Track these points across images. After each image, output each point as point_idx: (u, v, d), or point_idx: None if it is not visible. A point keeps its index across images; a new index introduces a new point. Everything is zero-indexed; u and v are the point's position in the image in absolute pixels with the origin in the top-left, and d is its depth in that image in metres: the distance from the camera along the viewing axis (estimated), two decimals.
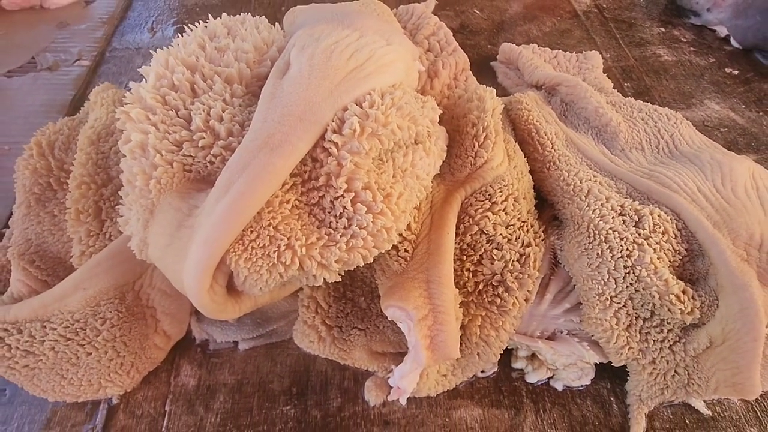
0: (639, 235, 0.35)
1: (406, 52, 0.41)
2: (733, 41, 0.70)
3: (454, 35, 0.60)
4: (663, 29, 0.73)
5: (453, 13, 0.74)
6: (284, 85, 0.31)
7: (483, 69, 0.64)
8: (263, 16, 0.42)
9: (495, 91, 0.42)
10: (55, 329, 0.32)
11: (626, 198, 0.39)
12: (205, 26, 0.38)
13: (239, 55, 0.35)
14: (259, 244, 0.27)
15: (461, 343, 0.34)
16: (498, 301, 0.34)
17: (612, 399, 0.37)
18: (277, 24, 0.44)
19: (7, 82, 0.58)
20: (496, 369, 0.38)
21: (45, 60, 0.60)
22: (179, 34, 0.36)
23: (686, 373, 0.34)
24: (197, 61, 0.33)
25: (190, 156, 0.29)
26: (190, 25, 0.36)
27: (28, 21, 0.66)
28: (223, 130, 0.30)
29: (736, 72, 0.65)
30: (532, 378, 0.38)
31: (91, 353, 0.33)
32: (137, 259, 0.31)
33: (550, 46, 0.66)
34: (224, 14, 0.40)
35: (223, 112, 0.31)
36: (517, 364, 0.38)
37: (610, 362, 0.36)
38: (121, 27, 0.68)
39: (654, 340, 0.34)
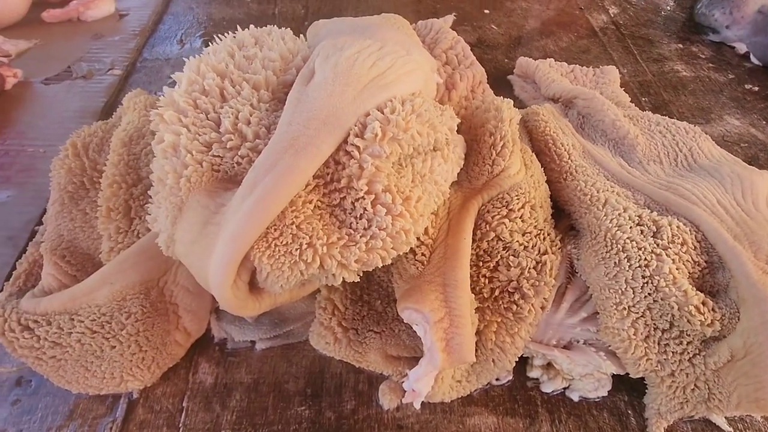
0: (657, 245, 0.35)
1: (425, 63, 0.42)
2: (752, 58, 0.69)
3: (471, 50, 0.61)
4: (681, 45, 0.73)
5: (470, 28, 0.76)
6: (309, 91, 0.32)
7: (500, 82, 0.65)
8: (288, 29, 0.44)
9: (512, 102, 0.43)
10: (83, 322, 0.33)
11: (644, 209, 0.39)
12: (234, 36, 0.39)
13: (266, 63, 0.36)
14: (282, 242, 0.28)
15: (476, 349, 0.34)
16: (514, 307, 0.35)
17: (629, 412, 0.36)
18: (301, 36, 0.46)
19: (44, 89, 0.61)
20: (511, 377, 0.38)
21: (80, 69, 0.63)
22: (207, 45, 0.38)
23: (707, 387, 0.34)
24: (226, 68, 0.35)
25: (219, 156, 0.30)
26: (218, 35, 0.38)
27: (66, 33, 0.70)
28: (250, 133, 0.31)
29: (756, 88, 0.65)
30: (548, 387, 0.37)
31: (115, 346, 0.34)
32: (163, 256, 0.33)
33: (566, 61, 0.66)
34: (251, 26, 0.42)
35: (251, 115, 0.32)
36: (533, 373, 0.38)
37: (627, 374, 0.35)
38: (152, 39, 0.71)
39: (673, 352, 0.34)
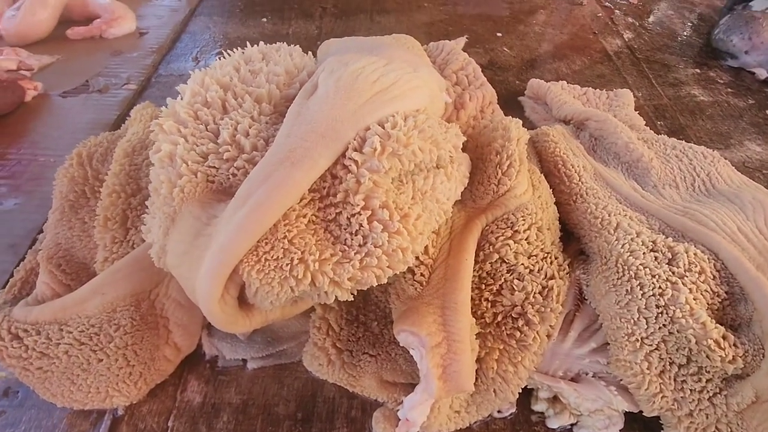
0: (673, 273, 0.32)
1: (432, 81, 0.42)
2: None
3: (482, 71, 0.60)
4: (698, 70, 0.71)
5: (482, 50, 0.76)
6: (310, 104, 0.32)
7: (511, 104, 0.64)
8: (297, 46, 0.44)
9: (521, 122, 0.42)
10: (71, 333, 0.33)
11: (659, 234, 0.37)
12: (242, 52, 0.40)
13: (270, 77, 0.36)
14: (272, 256, 0.27)
15: (477, 378, 0.32)
16: (517, 334, 0.33)
17: None
18: (310, 53, 0.46)
19: (62, 101, 0.62)
20: (514, 410, 0.36)
21: (97, 83, 0.65)
22: (219, 59, 0.38)
23: (729, 430, 0.31)
24: (230, 81, 0.35)
25: (214, 167, 0.30)
26: (228, 51, 0.38)
27: (88, 49, 0.72)
28: (248, 145, 0.31)
29: None
30: (554, 423, 0.35)
31: (102, 360, 0.33)
32: (155, 268, 0.32)
33: (579, 84, 0.65)
34: (261, 42, 0.42)
35: (250, 127, 0.32)
36: (538, 407, 0.36)
37: (641, 411, 0.33)
38: (168, 56, 0.73)
39: (691, 390, 0.31)
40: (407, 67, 0.38)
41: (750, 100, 0.65)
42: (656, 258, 0.34)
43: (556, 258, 0.36)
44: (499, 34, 0.79)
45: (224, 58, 0.39)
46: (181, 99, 0.33)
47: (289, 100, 0.36)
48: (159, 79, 0.67)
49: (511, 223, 0.35)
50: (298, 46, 0.43)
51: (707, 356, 0.30)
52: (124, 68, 0.68)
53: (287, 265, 0.26)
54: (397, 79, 0.35)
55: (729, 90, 0.67)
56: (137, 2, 0.83)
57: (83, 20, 0.76)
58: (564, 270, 0.36)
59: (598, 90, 0.64)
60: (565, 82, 0.65)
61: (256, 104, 0.34)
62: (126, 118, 0.59)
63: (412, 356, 0.32)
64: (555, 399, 0.35)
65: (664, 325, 0.31)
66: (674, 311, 0.31)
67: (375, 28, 0.80)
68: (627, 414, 0.34)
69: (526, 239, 0.35)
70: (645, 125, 0.58)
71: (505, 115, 0.55)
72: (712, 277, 0.33)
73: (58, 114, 0.60)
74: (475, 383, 0.31)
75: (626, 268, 0.33)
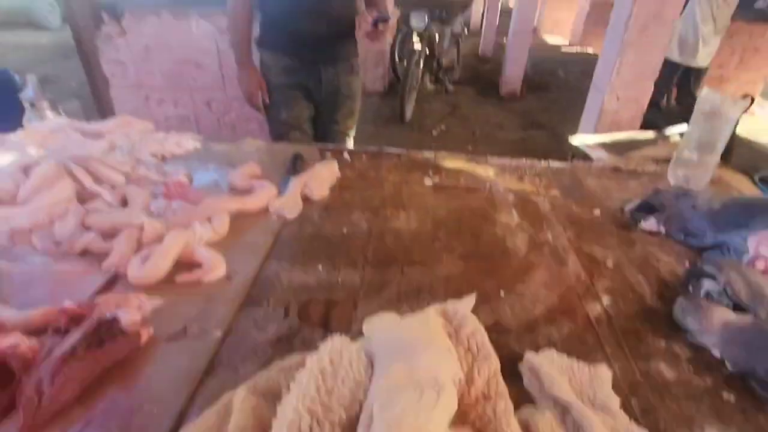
0: None
1: (450, 390, 0.59)
2: (727, 364, 0.83)
3: (488, 331, 0.78)
4: (665, 343, 0.88)
5: (489, 309, 0.96)
6: None
7: (512, 371, 0.80)
8: (354, 348, 0.63)
9: (516, 421, 0.57)
10: None
11: None
12: (316, 361, 0.58)
13: (341, 400, 0.54)
14: None
15: None
16: None
17: None
18: (362, 354, 0.64)
19: (166, 346, 0.81)
20: None
21: (193, 329, 0.85)
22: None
23: None
24: (313, 405, 0.53)
25: None
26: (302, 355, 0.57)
27: (188, 292, 0.95)
28: None
29: (732, 399, 0.76)
30: None
31: None
32: None
33: (567, 351, 0.82)
34: (330, 346, 0.61)
35: None
36: None
37: None
38: (247, 299, 0.95)
39: None
40: (433, 393, 0.56)
41: (708, 379, 0.80)
42: None
43: None
44: (502, 293, 1.00)
45: (306, 367, 0.57)
46: (281, 426, 0.50)
47: (353, 418, 0.53)
48: (239, 326, 0.88)
49: None
50: (354, 348, 0.62)
51: None
52: (213, 312, 0.89)
53: None
54: (429, 415, 0.52)
55: (691, 366, 0.83)
56: (225, 248, 1.10)
57: (187, 265, 1.01)
58: None
59: (581, 363, 0.80)
60: (555, 351, 0.82)
61: (331, 427, 0.51)
62: (214, 363, 0.77)
63: None
64: None
65: None
66: None
67: (404, 280, 1.03)
68: None
69: None
70: (620, 406, 0.72)
71: (507, 383, 0.71)
72: None
73: (162, 358, 0.79)
74: None
75: None
